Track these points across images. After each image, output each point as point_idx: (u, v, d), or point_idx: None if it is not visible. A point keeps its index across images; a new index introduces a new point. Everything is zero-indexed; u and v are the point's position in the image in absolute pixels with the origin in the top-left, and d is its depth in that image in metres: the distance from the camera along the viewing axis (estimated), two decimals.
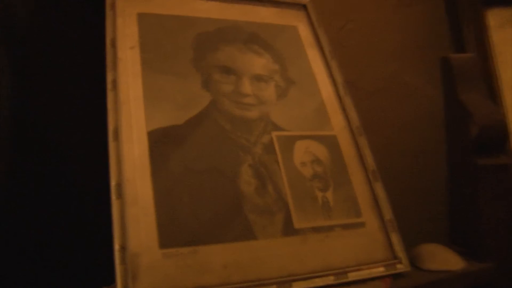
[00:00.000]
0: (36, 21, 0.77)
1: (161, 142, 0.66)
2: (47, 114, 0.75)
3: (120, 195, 0.60)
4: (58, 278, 0.69)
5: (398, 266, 0.70)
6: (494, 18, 1.11)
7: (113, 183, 0.60)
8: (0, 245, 0.68)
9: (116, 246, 0.57)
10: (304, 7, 0.92)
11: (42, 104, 0.75)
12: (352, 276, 0.66)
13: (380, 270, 0.68)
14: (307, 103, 0.81)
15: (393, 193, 0.78)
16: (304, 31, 0.89)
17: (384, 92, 1.07)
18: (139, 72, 0.71)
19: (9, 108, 0.73)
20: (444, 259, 0.78)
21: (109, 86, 0.68)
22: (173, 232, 0.60)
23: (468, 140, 0.85)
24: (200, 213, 0.63)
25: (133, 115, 0.67)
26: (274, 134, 0.74)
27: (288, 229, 0.67)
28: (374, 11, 1.08)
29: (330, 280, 0.64)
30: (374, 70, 1.07)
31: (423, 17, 1.12)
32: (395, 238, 0.72)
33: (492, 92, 1.03)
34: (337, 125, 0.80)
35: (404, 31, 1.10)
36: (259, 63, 0.81)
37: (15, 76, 0.74)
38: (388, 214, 0.74)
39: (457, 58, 0.86)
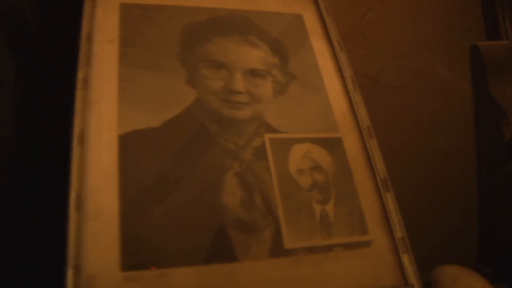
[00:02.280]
0: (41, 21, 0.74)
1: (133, 147, 0.59)
2: (52, 114, 0.71)
3: (80, 208, 0.53)
4: None
5: None
6: None
7: (73, 193, 0.53)
8: None
9: (69, 267, 0.49)
10: None
11: (47, 104, 0.72)
12: None
13: None
14: (309, 100, 0.71)
15: (410, 205, 0.68)
16: (310, 20, 0.79)
17: (410, 88, 0.99)
18: (115, 68, 0.64)
19: (13, 109, 0.69)
20: (468, 284, 0.66)
21: (79, 84, 0.61)
22: (139, 251, 0.52)
23: (501, 142, 0.73)
24: (172, 229, 0.55)
25: (104, 116, 0.60)
26: (267, 136, 0.65)
27: (277, 249, 0.57)
28: None
29: None
30: (400, 63, 1.00)
31: (455, 2, 1.01)
32: (407, 260, 0.61)
33: None
34: (344, 126, 0.70)
35: (434, 19, 1.00)
36: (256, 56, 0.72)
37: (19, 77, 0.70)
38: (400, 231, 0.63)
39: (488, 46, 0.74)
